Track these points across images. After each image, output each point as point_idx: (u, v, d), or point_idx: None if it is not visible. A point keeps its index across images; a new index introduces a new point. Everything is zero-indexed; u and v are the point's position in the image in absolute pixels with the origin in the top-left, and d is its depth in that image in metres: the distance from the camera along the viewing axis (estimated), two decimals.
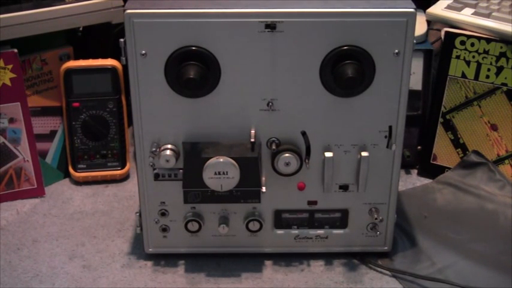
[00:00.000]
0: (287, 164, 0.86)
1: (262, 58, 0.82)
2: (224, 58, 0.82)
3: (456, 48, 1.07)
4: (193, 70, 0.81)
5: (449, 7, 1.10)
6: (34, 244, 0.99)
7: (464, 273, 0.91)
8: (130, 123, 1.03)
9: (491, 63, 1.05)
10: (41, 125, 1.12)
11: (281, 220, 0.93)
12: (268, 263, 0.94)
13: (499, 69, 1.05)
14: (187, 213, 0.91)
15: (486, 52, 1.05)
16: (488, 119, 1.08)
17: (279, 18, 0.80)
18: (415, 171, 1.17)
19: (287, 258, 0.95)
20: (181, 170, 0.87)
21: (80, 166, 1.14)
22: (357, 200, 0.91)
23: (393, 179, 0.90)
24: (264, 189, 0.87)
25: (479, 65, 1.06)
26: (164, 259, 0.95)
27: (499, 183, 1.06)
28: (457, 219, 1.02)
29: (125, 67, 0.84)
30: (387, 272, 0.92)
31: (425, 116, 1.14)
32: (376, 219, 0.91)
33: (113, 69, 1.10)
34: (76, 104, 1.10)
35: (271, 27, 0.81)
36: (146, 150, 0.87)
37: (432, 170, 1.14)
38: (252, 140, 0.85)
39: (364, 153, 0.87)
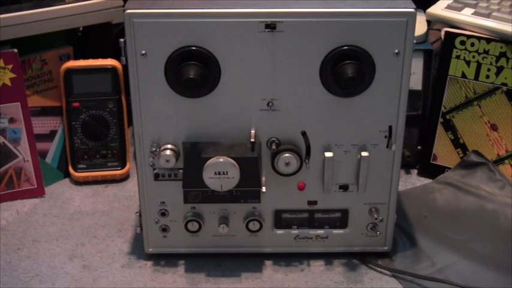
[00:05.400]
0: (287, 164, 0.86)
1: (262, 58, 0.82)
2: (224, 58, 0.82)
3: (456, 48, 1.07)
4: (193, 70, 0.81)
5: (449, 7, 1.10)
6: (34, 244, 0.99)
7: (464, 273, 0.91)
8: (130, 123, 1.03)
9: (491, 63, 1.05)
10: (41, 125, 1.12)
11: (281, 220, 0.93)
12: (268, 263, 0.94)
13: (499, 69, 1.05)
14: (187, 213, 0.91)
15: (486, 52, 1.05)
16: (488, 119, 1.08)
17: (279, 18, 0.80)
18: (415, 171, 1.17)
19: (287, 258, 0.95)
20: (181, 170, 0.87)
21: (80, 166, 1.14)
22: (357, 200, 0.91)
23: (393, 179, 0.90)
24: (264, 189, 0.87)
25: (479, 65, 1.06)
26: (164, 259, 0.95)
27: (499, 183, 1.06)
28: (457, 219, 1.02)
29: (125, 67, 0.84)
30: (387, 272, 0.92)
31: (425, 116, 1.14)
32: (376, 219, 0.91)
33: (113, 69, 1.10)
34: (76, 104, 1.10)
35: (271, 27, 0.81)
36: (146, 150, 0.87)
37: (432, 170, 1.14)
38: (252, 140, 0.85)
39: (364, 153, 0.87)
